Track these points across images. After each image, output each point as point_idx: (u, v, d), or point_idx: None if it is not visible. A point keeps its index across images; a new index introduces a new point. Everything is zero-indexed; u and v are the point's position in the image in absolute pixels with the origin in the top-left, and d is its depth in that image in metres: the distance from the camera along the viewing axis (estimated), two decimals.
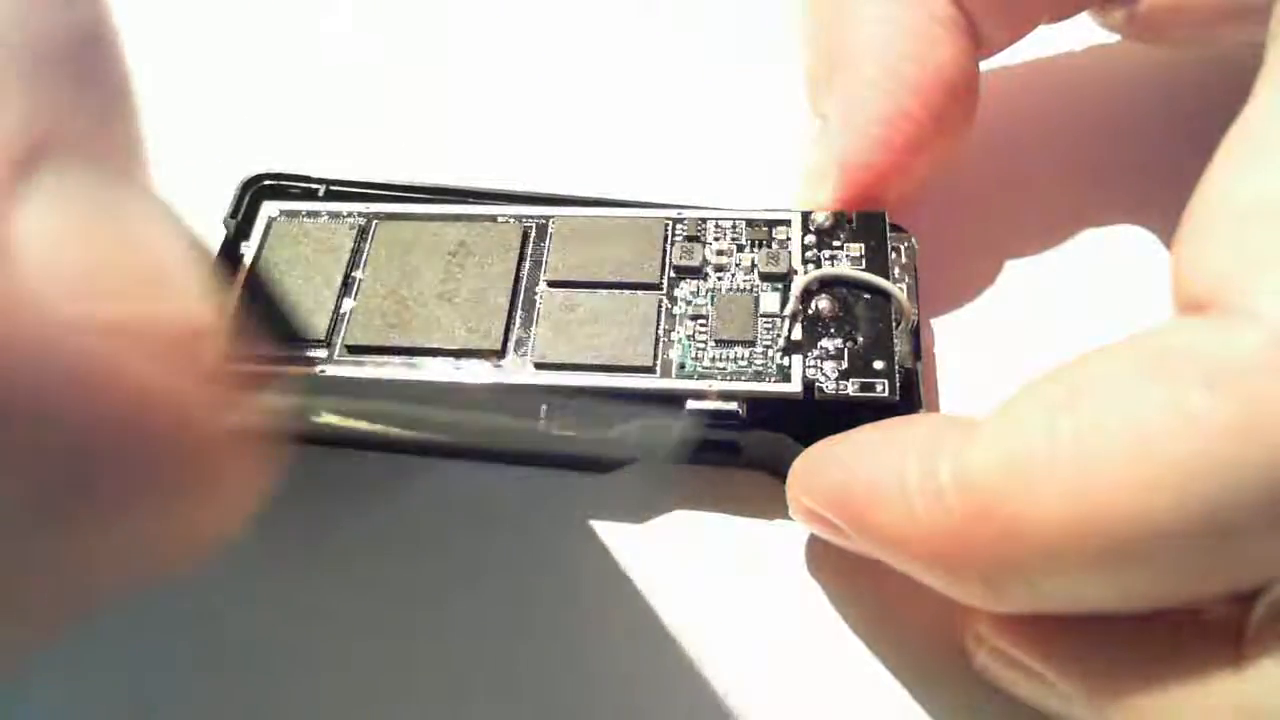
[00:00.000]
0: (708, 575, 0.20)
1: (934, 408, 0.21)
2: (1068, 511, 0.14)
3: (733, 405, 0.19)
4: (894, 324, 0.19)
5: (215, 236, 0.22)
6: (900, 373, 0.19)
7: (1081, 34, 0.25)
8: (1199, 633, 0.15)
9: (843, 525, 0.17)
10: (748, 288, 0.20)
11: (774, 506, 0.20)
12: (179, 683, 0.19)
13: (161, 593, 0.19)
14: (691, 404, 0.19)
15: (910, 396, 0.19)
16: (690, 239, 0.21)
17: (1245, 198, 0.15)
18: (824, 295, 0.20)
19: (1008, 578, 0.15)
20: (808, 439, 0.18)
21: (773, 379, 0.19)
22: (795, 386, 0.19)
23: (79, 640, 0.19)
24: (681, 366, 0.19)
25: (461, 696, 0.19)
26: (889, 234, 0.21)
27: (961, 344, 0.23)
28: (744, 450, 0.20)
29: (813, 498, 0.17)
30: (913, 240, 0.22)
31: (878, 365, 0.19)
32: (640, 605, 0.20)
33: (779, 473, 0.19)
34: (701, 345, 0.19)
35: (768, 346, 0.19)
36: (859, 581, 0.20)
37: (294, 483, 0.20)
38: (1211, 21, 0.21)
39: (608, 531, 0.20)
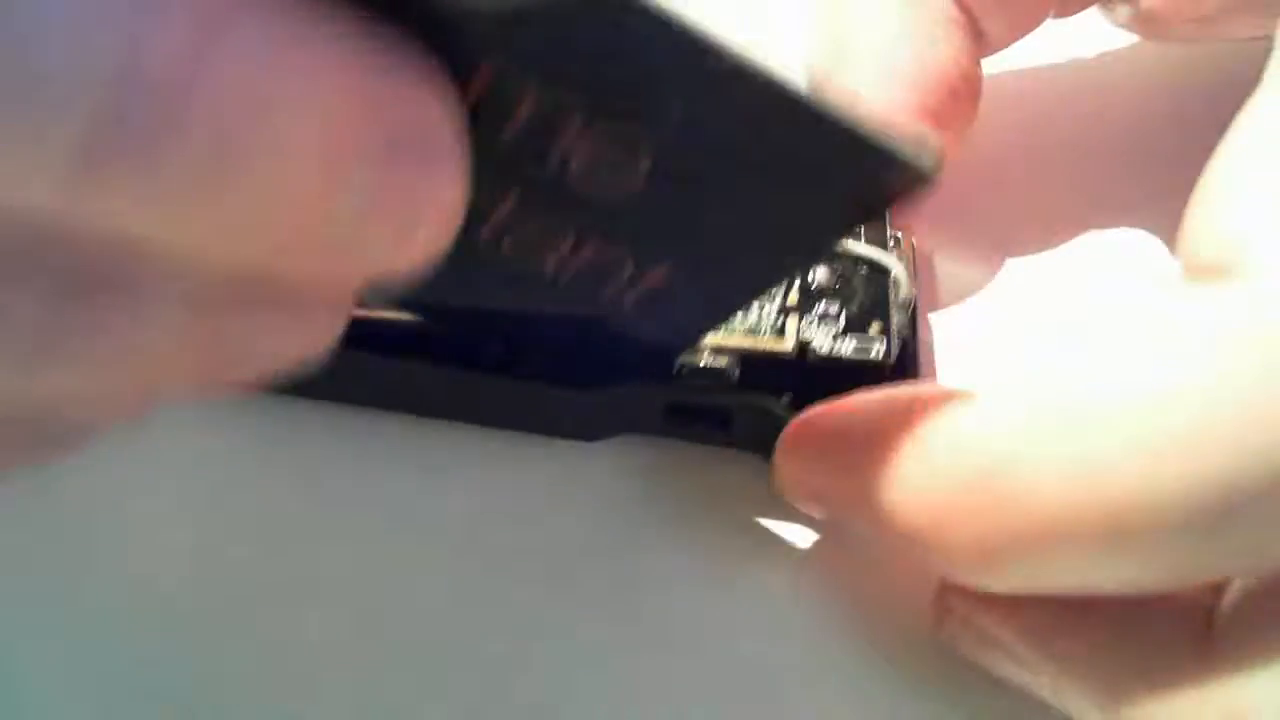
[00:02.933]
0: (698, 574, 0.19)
1: None
2: (1070, 483, 0.13)
3: (724, 362, 0.18)
4: (893, 298, 0.19)
5: None
6: (898, 340, 0.18)
7: (1086, 30, 0.24)
8: (1170, 615, 0.14)
9: (832, 490, 0.16)
10: None
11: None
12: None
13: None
14: (682, 360, 0.18)
15: (907, 365, 0.19)
16: None
17: (1254, 181, 0.15)
18: (822, 267, 0.19)
19: (1001, 551, 0.14)
20: (800, 406, 0.18)
21: (766, 336, 0.18)
22: (788, 345, 0.18)
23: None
24: None
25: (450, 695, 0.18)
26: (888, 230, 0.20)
27: (962, 344, 0.22)
28: (735, 422, 0.19)
29: (804, 453, 0.17)
30: (913, 240, 0.21)
31: (873, 330, 0.18)
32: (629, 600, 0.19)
33: (770, 451, 0.18)
34: None
35: (762, 307, 0.19)
36: (853, 583, 0.19)
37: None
38: (1218, 14, 0.21)
39: (594, 529, 0.20)
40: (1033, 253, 0.23)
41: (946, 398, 0.15)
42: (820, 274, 0.19)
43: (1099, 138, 0.24)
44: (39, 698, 0.18)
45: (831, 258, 0.19)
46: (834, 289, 0.19)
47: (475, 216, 0.12)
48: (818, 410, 0.17)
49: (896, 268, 0.19)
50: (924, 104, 0.21)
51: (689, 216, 0.14)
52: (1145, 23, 0.22)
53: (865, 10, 0.21)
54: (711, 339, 0.18)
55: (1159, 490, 0.13)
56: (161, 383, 0.12)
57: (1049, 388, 0.14)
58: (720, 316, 0.18)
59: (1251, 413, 0.12)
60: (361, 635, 0.18)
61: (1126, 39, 0.25)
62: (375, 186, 0.10)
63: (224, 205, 0.10)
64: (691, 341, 0.18)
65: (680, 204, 0.14)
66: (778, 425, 0.18)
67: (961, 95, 0.21)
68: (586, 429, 0.20)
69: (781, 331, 0.18)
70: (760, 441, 0.18)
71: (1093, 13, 0.22)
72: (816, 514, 0.17)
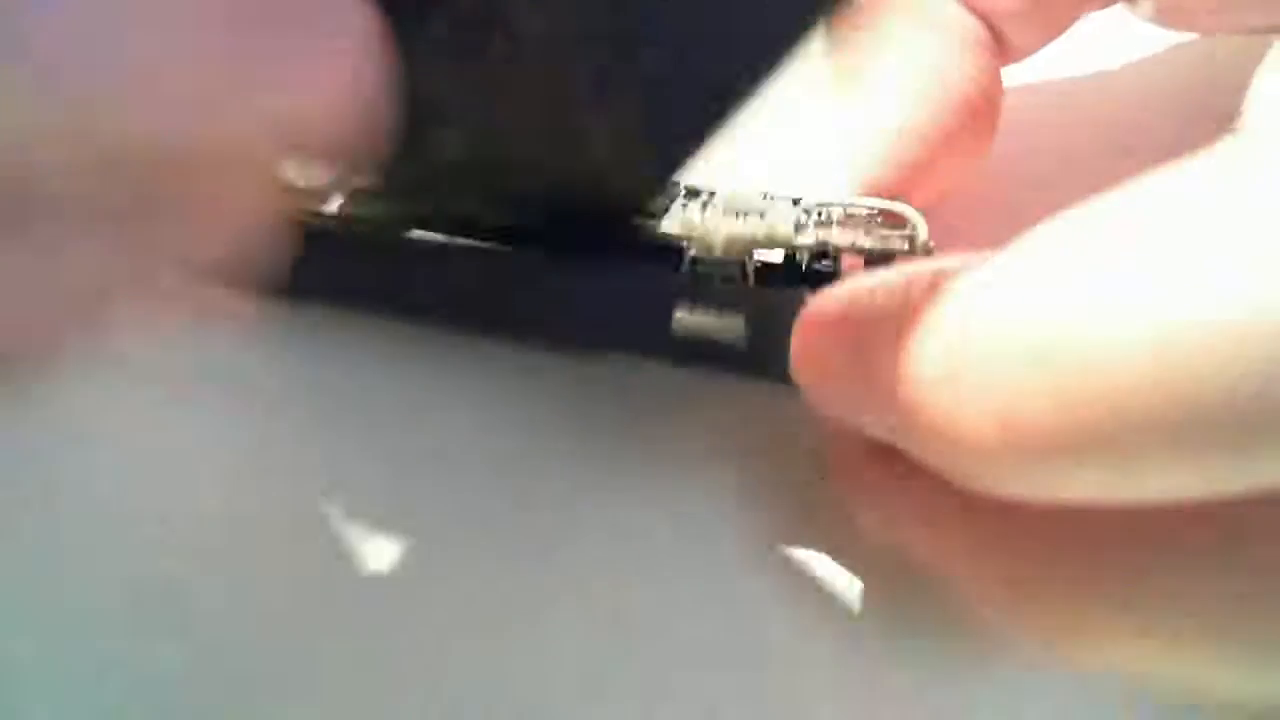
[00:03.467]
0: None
1: None
2: (1138, 362, 0.11)
3: (738, 260, 0.17)
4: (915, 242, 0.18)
5: None
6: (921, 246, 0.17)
7: (1108, 24, 0.24)
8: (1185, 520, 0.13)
9: (846, 374, 0.15)
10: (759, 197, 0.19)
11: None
12: None
13: None
14: (694, 255, 0.17)
15: None
16: None
17: None
18: (835, 209, 0.19)
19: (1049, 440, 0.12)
20: None
21: (782, 234, 0.17)
22: (808, 239, 0.17)
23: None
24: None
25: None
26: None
27: None
28: (748, 337, 0.18)
29: (821, 333, 0.15)
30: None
31: (896, 233, 0.18)
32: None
33: (785, 373, 0.17)
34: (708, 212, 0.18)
35: (777, 215, 0.18)
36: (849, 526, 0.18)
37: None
38: (1239, 5, 0.21)
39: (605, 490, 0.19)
40: None
41: (966, 265, 0.14)
42: (834, 211, 0.18)
43: (1114, 139, 0.24)
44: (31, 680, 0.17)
45: (846, 208, 0.19)
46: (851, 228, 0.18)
47: None
48: (838, 287, 0.16)
49: (913, 215, 0.18)
50: (945, 125, 0.21)
51: None
52: (1168, 13, 0.22)
53: (885, 30, 0.22)
54: (727, 232, 0.17)
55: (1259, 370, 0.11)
56: (99, 299, 0.12)
57: (1111, 248, 0.12)
58: (713, 122, 0.17)
59: None
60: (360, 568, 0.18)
61: (1149, 32, 0.25)
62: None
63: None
64: (682, 161, 0.17)
65: None
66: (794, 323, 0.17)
67: (982, 114, 0.21)
68: (589, 331, 0.19)
69: (799, 229, 0.18)
70: (771, 355, 0.17)
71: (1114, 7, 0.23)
72: (833, 409, 0.16)
